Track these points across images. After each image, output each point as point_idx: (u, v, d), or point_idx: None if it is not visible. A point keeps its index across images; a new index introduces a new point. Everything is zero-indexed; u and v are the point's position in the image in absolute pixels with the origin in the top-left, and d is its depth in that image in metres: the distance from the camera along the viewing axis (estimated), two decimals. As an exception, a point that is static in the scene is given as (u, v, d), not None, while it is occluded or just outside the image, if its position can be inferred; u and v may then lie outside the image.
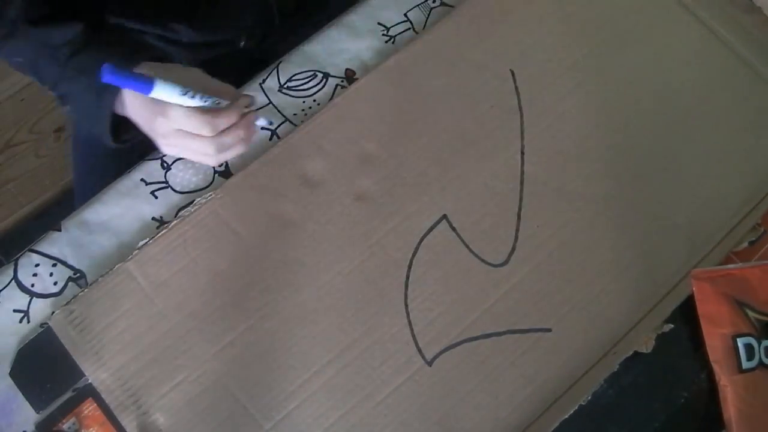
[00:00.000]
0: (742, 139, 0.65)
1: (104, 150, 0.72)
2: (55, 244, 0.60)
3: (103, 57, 0.55)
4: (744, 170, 0.64)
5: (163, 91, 0.49)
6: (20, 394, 0.56)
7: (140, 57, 0.55)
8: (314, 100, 0.66)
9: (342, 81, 0.66)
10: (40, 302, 0.58)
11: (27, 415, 0.55)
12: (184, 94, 0.50)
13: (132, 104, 0.55)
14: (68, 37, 0.56)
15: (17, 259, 0.59)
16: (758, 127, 0.66)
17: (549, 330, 0.58)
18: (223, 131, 0.54)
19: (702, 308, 0.57)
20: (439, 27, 0.68)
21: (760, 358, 0.56)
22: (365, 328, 0.57)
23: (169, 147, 0.56)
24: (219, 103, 0.54)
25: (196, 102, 0.52)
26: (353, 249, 0.60)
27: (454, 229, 0.61)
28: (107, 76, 0.45)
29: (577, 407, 0.55)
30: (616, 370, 0.56)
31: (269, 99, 0.65)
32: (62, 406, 0.55)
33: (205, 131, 0.52)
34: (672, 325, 0.58)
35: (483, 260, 0.60)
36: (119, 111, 0.57)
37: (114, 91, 0.55)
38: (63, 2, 0.58)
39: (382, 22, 0.69)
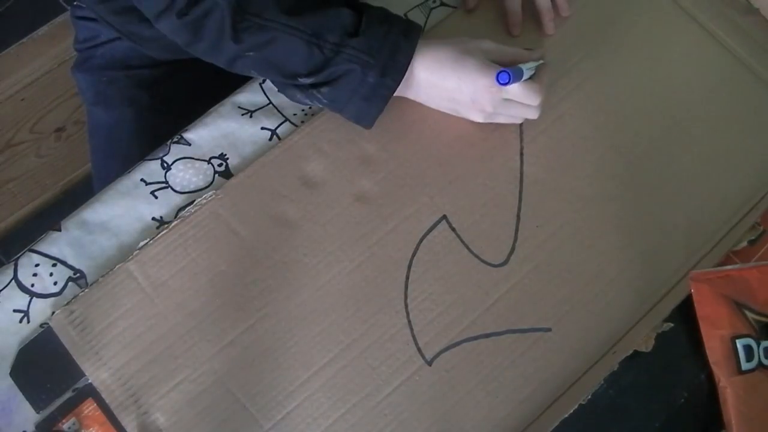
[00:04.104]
0: (741, 140, 0.65)
1: (128, 134, 0.76)
2: (55, 244, 0.60)
3: (384, 35, 0.57)
4: (742, 170, 0.64)
5: (525, 76, 0.58)
6: (20, 394, 0.56)
7: (415, 33, 0.58)
8: (314, 101, 0.66)
9: (342, 81, 0.66)
10: (40, 302, 0.58)
11: (27, 415, 0.55)
12: (527, 71, 0.58)
13: (436, 84, 0.60)
14: (337, 22, 0.57)
15: (17, 259, 0.59)
16: (756, 128, 0.66)
17: (549, 330, 0.58)
18: None
19: (701, 310, 0.57)
20: (438, 28, 0.68)
21: (759, 359, 0.56)
22: (365, 328, 0.58)
23: (490, 116, 0.61)
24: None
25: (529, 74, 0.59)
26: (353, 249, 0.60)
27: (453, 229, 0.61)
28: (503, 81, 0.55)
29: (577, 407, 0.55)
30: (615, 369, 0.56)
31: (269, 99, 0.65)
32: (62, 406, 0.55)
33: (535, 100, 0.59)
34: (671, 324, 0.58)
35: (483, 260, 0.60)
36: (403, 92, 0.61)
37: (401, 72, 0.58)
38: None
39: (382, 22, 0.69)
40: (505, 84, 0.55)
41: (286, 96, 0.63)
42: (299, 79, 0.58)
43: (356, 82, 0.57)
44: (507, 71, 0.55)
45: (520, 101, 0.60)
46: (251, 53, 0.57)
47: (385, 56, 0.57)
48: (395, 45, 0.57)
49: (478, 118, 0.61)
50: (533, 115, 0.61)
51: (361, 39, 0.57)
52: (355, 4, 0.60)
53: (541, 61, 0.62)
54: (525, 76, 0.58)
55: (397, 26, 0.58)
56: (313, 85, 0.59)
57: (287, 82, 0.60)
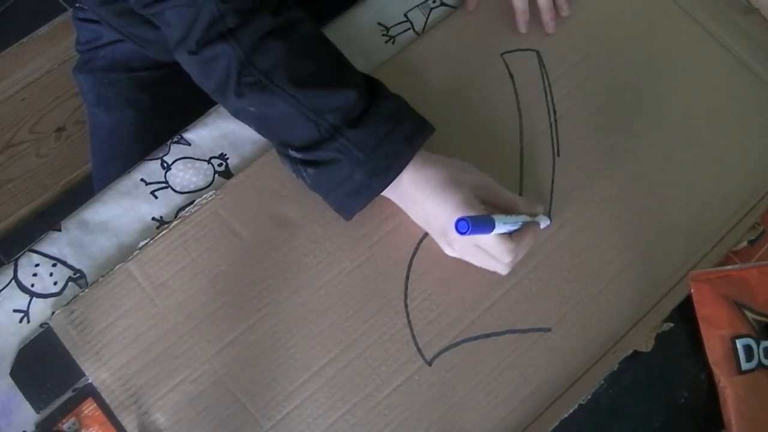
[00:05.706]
0: (741, 140, 0.65)
1: (128, 136, 0.77)
2: (55, 244, 0.60)
3: (385, 135, 0.54)
4: (742, 170, 0.64)
5: (498, 230, 0.51)
6: (20, 394, 0.56)
7: (419, 137, 0.56)
8: (314, 101, 0.65)
9: (342, 81, 0.66)
10: (40, 302, 0.58)
11: (27, 415, 0.55)
12: (504, 225, 0.52)
13: (416, 201, 0.57)
14: (340, 104, 0.54)
15: (17, 259, 0.59)
16: (756, 128, 0.66)
17: (549, 330, 0.58)
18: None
19: (701, 310, 0.57)
20: (439, 28, 0.68)
21: (759, 359, 0.56)
22: (365, 328, 0.58)
23: (457, 253, 0.58)
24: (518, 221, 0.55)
25: (507, 228, 0.54)
26: (353, 249, 0.60)
27: (453, 229, 0.61)
28: (461, 230, 0.47)
29: (577, 407, 0.55)
30: (615, 369, 0.56)
31: (269, 99, 0.65)
32: (62, 406, 0.55)
33: (507, 259, 0.55)
34: (671, 324, 0.58)
35: (483, 260, 0.60)
36: (386, 193, 0.57)
37: (390, 178, 0.55)
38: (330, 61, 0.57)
39: (382, 22, 0.69)
40: (462, 234, 0.47)
41: (281, 161, 0.60)
42: (290, 150, 0.56)
43: (342, 175, 0.55)
44: (467, 220, 0.47)
45: (492, 254, 0.55)
46: (252, 109, 0.56)
47: (377, 157, 0.54)
48: (393, 149, 0.54)
49: (447, 252, 0.58)
50: (501, 271, 0.57)
51: (358, 131, 0.54)
52: (373, 87, 0.57)
53: (537, 219, 0.58)
54: (498, 230, 0.52)
55: (403, 126, 0.55)
56: (302, 162, 0.56)
57: (280, 149, 0.58)
